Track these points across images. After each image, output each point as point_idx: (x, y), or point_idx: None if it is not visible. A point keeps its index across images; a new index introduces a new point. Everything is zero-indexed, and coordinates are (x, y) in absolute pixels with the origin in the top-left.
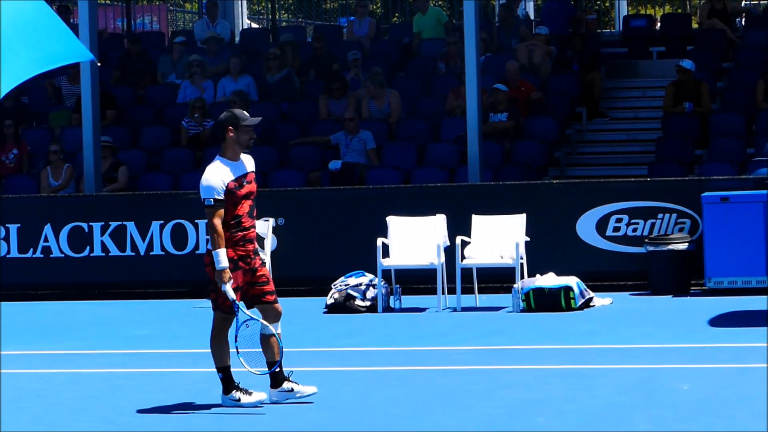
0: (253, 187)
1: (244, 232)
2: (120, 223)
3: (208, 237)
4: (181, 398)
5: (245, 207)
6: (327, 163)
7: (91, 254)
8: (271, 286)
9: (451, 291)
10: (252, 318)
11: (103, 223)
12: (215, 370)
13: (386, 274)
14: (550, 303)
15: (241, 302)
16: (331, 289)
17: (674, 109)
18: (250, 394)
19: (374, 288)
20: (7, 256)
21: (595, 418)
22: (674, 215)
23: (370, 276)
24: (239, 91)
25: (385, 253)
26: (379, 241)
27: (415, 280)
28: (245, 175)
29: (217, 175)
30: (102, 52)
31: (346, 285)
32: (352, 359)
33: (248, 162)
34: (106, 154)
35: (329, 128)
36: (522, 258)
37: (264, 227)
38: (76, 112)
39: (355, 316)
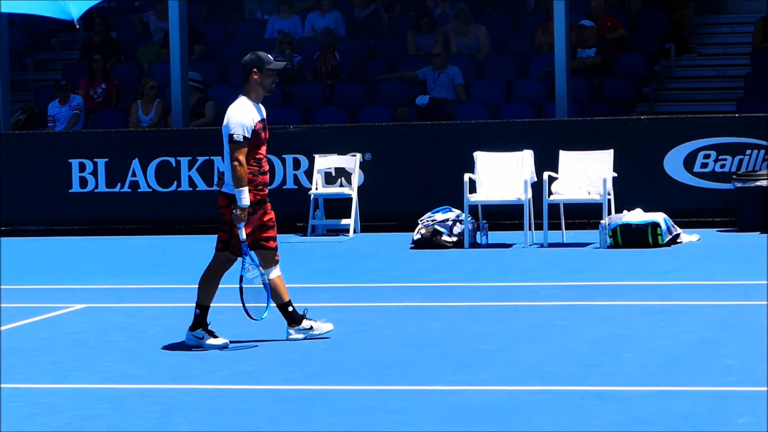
0: (267, 133)
1: (264, 176)
2: (207, 158)
3: (220, 177)
4: (267, 333)
5: (264, 151)
6: (414, 98)
7: (179, 189)
8: (274, 232)
9: (538, 227)
10: (254, 262)
11: (190, 158)
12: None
13: (473, 209)
14: (637, 239)
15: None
16: (418, 224)
17: (764, 45)
18: (216, 336)
19: (461, 223)
20: (95, 190)
21: (681, 354)
22: (762, 151)
23: (457, 211)
24: (327, 28)
25: (472, 189)
26: (466, 176)
27: (502, 216)
28: (264, 120)
29: (246, 114)
30: None
31: (432, 220)
32: (439, 295)
33: (262, 108)
34: (192, 90)
35: (417, 64)
36: (609, 194)
37: (351, 162)
38: (164, 48)
39: (442, 251)
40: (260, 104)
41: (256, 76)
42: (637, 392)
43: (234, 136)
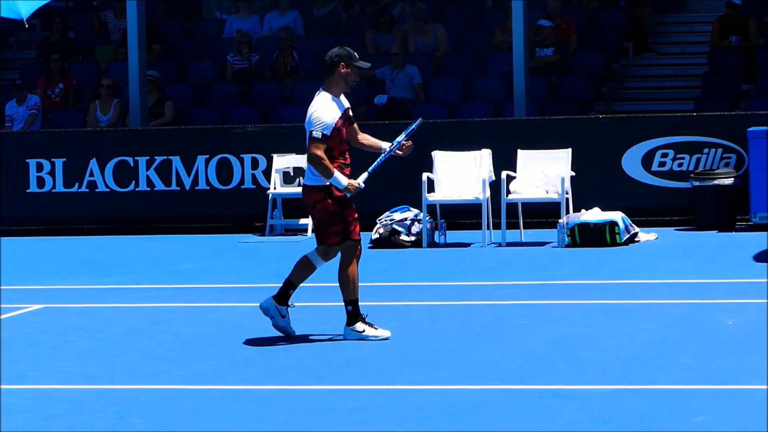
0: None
1: (347, 169)
2: (165, 157)
3: (305, 177)
4: (226, 332)
5: (345, 144)
6: (373, 97)
7: (137, 189)
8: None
9: (496, 226)
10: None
11: (148, 157)
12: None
13: (431, 209)
14: (595, 238)
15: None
16: (376, 224)
17: (721, 44)
18: (377, 328)
19: (419, 223)
20: (53, 190)
21: (639, 353)
22: (720, 150)
23: (415, 211)
24: (286, 27)
25: (431, 188)
26: (425, 175)
27: (460, 215)
28: (346, 110)
29: (329, 112)
30: None
31: (391, 220)
32: (398, 294)
33: (344, 100)
34: (151, 88)
35: (376, 63)
36: (567, 193)
37: None
38: (122, 47)
39: (400, 251)
40: (341, 97)
41: (343, 70)
42: (596, 391)
43: (313, 132)
